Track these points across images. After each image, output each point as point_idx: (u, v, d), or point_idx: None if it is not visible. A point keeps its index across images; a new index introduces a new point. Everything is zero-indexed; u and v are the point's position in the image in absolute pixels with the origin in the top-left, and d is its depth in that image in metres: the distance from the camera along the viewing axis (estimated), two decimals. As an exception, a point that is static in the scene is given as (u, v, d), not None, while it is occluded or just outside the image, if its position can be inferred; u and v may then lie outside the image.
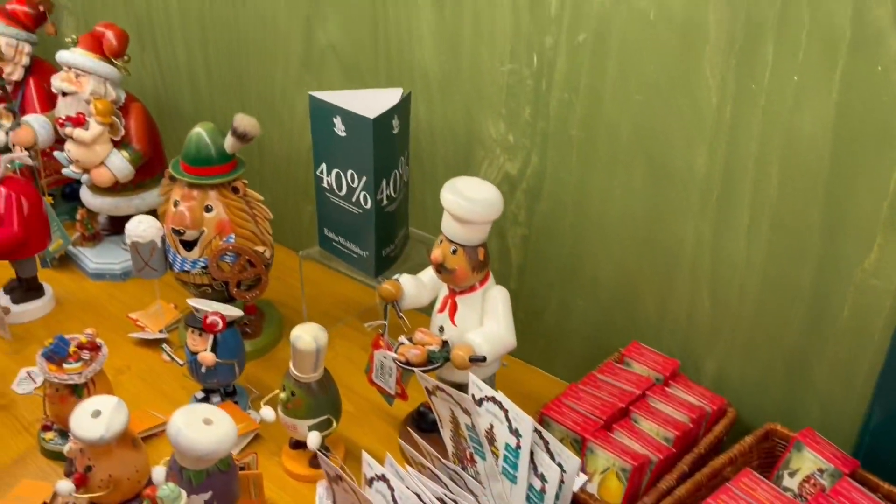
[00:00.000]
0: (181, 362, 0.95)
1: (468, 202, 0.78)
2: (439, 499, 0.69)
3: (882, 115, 0.69)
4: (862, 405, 0.79)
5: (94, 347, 0.89)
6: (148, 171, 1.25)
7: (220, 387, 0.97)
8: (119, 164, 1.18)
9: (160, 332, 1.11)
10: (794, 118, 0.74)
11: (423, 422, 0.93)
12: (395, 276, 0.88)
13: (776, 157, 0.76)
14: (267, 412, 0.87)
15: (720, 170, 0.80)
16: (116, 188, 1.22)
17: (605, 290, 0.95)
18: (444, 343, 0.82)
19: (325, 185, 1.00)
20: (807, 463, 0.78)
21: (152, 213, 1.28)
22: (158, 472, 0.78)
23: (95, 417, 0.79)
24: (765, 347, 0.84)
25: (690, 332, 0.90)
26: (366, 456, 0.71)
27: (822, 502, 0.73)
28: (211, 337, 0.91)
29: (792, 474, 0.78)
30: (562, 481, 0.68)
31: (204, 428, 0.73)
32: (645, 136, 0.84)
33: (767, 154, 0.76)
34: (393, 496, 0.66)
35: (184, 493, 0.73)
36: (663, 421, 0.83)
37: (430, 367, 0.81)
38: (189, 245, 1.00)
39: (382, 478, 0.68)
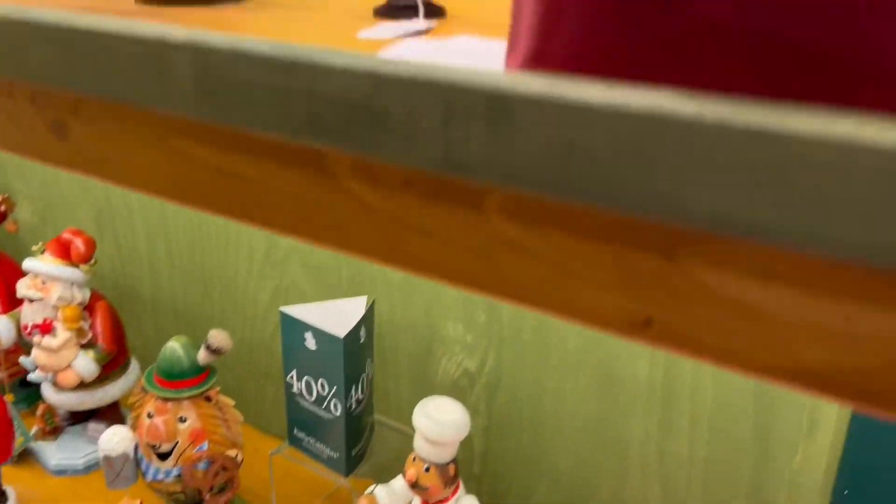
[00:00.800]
0: (160, 581, 0.97)
1: (440, 426, 0.85)
2: None
3: (794, 340, 0.80)
4: (804, 589, 0.88)
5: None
6: (112, 365, 1.28)
7: None
8: (86, 365, 1.21)
9: (130, 535, 1.12)
10: (721, 338, 0.84)
11: None
12: (370, 490, 0.93)
13: (709, 373, 0.86)
14: None
15: (660, 379, 0.90)
16: (80, 385, 1.25)
17: (565, 478, 1.02)
18: (420, 554, 0.88)
19: (294, 390, 1.05)
20: None
21: (115, 405, 1.31)
22: None
23: None
24: (714, 535, 0.92)
25: (645, 519, 0.97)
26: None
27: None
28: (190, 554, 0.94)
29: None
30: None
31: None
32: (592, 345, 0.94)
33: (701, 370, 0.86)
34: None
35: None
36: None
37: (410, 582, 0.86)
38: (164, 455, 1.03)
39: None
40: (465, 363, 1.06)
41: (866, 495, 0.79)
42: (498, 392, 1.05)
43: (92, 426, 1.31)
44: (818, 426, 0.80)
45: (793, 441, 0.83)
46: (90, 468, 1.27)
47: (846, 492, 0.80)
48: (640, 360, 0.90)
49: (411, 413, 1.15)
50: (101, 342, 1.24)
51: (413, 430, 1.08)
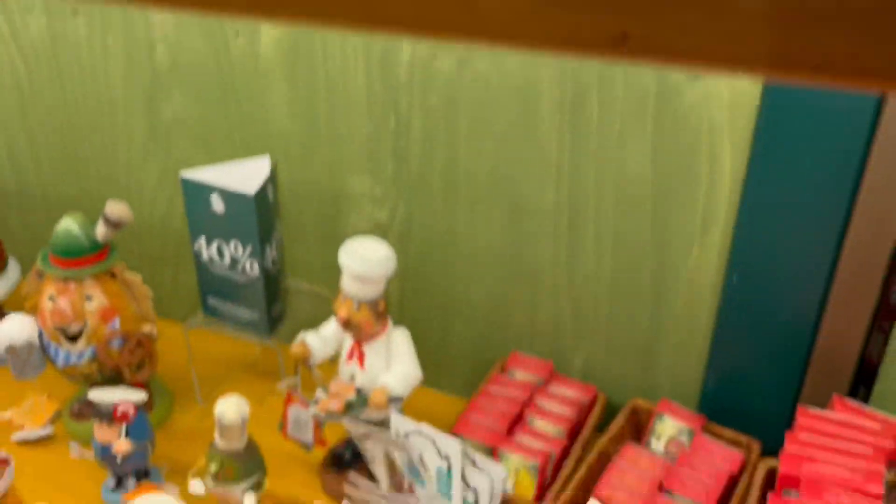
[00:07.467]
0: (92, 456, 0.95)
1: (367, 263, 0.87)
2: (399, 530, 0.78)
3: (686, 148, 0.87)
4: (700, 373, 0.99)
5: (3, 462, 0.87)
6: (-11, 264, 1.19)
7: (133, 469, 0.98)
8: (-38, 263, 1.12)
9: (44, 427, 1.08)
10: (620, 154, 0.91)
11: (339, 462, 1.01)
12: (301, 337, 0.94)
13: (610, 188, 0.93)
14: (196, 486, 0.91)
15: (566, 202, 0.96)
16: (-43, 287, 1.16)
17: (480, 311, 1.08)
18: (358, 391, 0.91)
19: (205, 257, 1.03)
20: (668, 428, 0.96)
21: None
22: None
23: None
24: (620, 340, 1.02)
25: (558, 335, 1.05)
26: (320, 508, 0.78)
27: (687, 457, 0.91)
28: (122, 425, 0.93)
29: (658, 438, 0.96)
30: (492, 489, 0.81)
31: (161, 518, 0.76)
32: (500, 179, 0.98)
33: (603, 187, 0.93)
34: (358, 538, 0.74)
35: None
36: (553, 418, 0.98)
37: (352, 413, 0.89)
38: (74, 338, 0.99)
39: (343, 524, 0.76)
40: (374, 216, 1.08)
41: (753, 280, 0.90)
42: (409, 241, 1.08)
43: (-25, 331, 1.23)
44: (711, 224, 0.90)
45: (687, 242, 0.92)
46: (-18, 373, 1.20)
47: (735, 279, 0.91)
48: (546, 187, 0.96)
49: (323, 276, 1.16)
50: (-25, 238, 1.15)
51: (327, 291, 1.09)
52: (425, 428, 0.83)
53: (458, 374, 1.15)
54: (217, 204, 0.98)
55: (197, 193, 0.98)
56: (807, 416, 0.83)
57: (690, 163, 0.88)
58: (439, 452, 0.82)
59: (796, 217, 0.85)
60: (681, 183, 0.89)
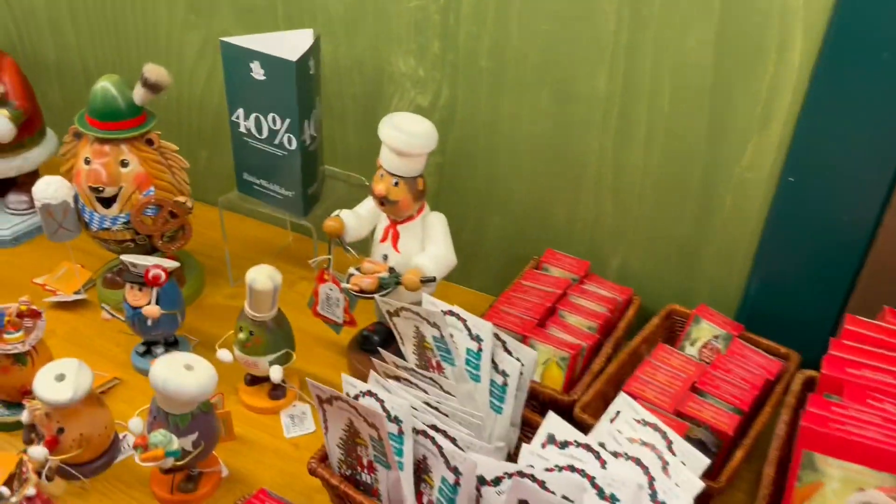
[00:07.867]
0: (123, 318, 0.95)
1: (408, 136, 0.84)
2: (425, 402, 0.77)
3: (754, 34, 0.82)
4: (742, 280, 0.96)
5: (34, 314, 0.88)
6: (27, 129, 1.18)
7: (162, 338, 0.98)
8: (1, 125, 1.11)
9: (77, 293, 1.09)
10: (682, 39, 0.85)
11: (367, 344, 1.00)
12: (336, 213, 0.92)
13: (667, 75, 0.88)
14: (224, 354, 0.91)
15: (619, 89, 0.91)
16: (-5, 149, 1.16)
17: (519, 205, 1.05)
18: (392, 269, 0.89)
19: (242, 129, 1.01)
20: (704, 332, 0.94)
21: (34, 175, 1.23)
22: (136, 423, 0.80)
23: (60, 381, 0.79)
24: (661, 241, 0.98)
25: (596, 234, 1.02)
26: (346, 377, 0.78)
27: (723, 361, 0.89)
28: (153, 290, 0.92)
29: (693, 343, 0.94)
30: (521, 373, 0.79)
31: (187, 373, 0.76)
32: (550, 62, 0.93)
33: (660, 73, 0.88)
34: (384, 406, 0.73)
35: (174, 436, 0.76)
36: (585, 314, 0.95)
37: (384, 293, 0.88)
38: (107, 202, 0.98)
39: (369, 393, 0.75)
40: (416, 99, 1.04)
41: (810, 182, 0.85)
42: (452, 127, 1.04)
43: (12, 198, 1.24)
44: (772, 118, 0.85)
45: (744, 137, 0.87)
46: (17, 240, 1.21)
47: (791, 179, 0.86)
48: (599, 71, 0.91)
49: (360, 162, 1.13)
50: (13, 99, 1.13)
51: (363, 179, 1.07)
52: (457, 309, 0.81)
53: (490, 272, 1.13)
54: (257, 71, 0.95)
55: (237, 59, 0.95)
56: (855, 323, 0.80)
57: (757, 50, 0.82)
58: (470, 334, 0.80)
59: (864, 114, 0.80)
60: (744, 72, 0.84)
